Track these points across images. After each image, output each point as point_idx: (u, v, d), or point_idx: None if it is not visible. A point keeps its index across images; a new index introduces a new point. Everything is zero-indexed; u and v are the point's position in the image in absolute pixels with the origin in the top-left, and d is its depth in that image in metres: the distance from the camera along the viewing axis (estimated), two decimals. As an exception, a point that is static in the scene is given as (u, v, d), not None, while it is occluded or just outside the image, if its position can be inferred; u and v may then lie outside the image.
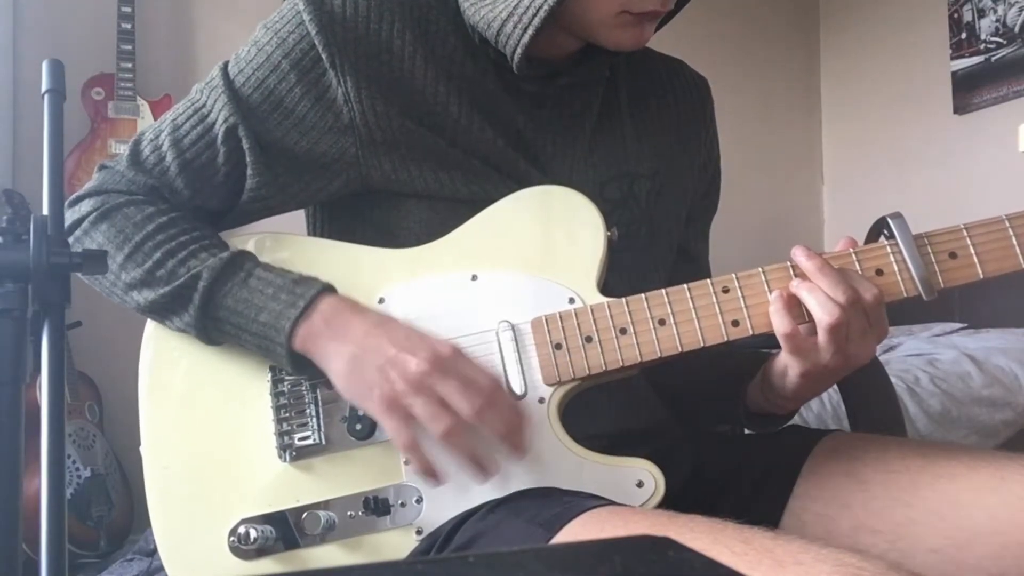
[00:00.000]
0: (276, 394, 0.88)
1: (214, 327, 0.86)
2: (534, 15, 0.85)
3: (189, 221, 0.91)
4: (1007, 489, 0.80)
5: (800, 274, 0.83)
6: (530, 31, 0.86)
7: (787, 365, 0.85)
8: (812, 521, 0.89)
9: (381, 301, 0.89)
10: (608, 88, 1.01)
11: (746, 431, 1.13)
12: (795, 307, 0.82)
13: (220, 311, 0.85)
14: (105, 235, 0.89)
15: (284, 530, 0.85)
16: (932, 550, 0.81)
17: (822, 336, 0.80)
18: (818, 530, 0.87)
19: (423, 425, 0.79)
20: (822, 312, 0.79)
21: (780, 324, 0.81)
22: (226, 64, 0.93)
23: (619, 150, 1.00)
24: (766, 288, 0.83)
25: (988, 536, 0.79)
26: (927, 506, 0.82)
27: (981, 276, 0.83)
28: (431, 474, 0.81)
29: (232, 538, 0.85)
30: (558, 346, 0.85)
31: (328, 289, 0.85)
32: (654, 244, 1.01)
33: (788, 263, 0.84)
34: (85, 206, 0.92)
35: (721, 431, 1.18)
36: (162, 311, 0.88)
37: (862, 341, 0.81)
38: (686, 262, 1.09)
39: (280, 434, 0.87)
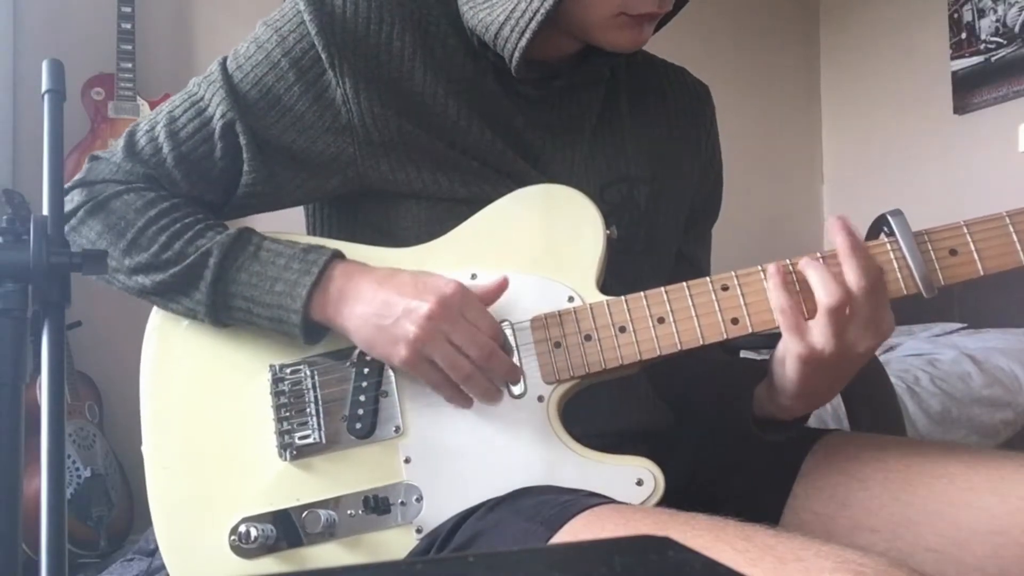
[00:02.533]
0: (276, 393, 0.88)
1: (224, 304, 0.86)
2: (531, 18, 0.85)
3: (191, 205, 0.91)
4: (1006, 488, 0.79)
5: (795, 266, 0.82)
6: (527, 34, 0.86)
7: (785, 351, 0.83)
8: (811, 520, 0.89)
9: (381, 300, 0.89)
10: (609, 92, 1.01)
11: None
12: (792, 284, 0.81)
13: (232, 286, 0.86)
14: (104, 223, 0.89)
15: (285, 529, 0.85)
16: (931, 549, 0.81)
17: (821, 317, 0.79)
18: (817, 529, 0.87)
19: (445, 370, 0.82)
20: (824, 293, 0.78)
21: (777, 299, 0.80)
22: (225, 59, 0.93)
23: (619, 154, 1.00)
24: (765, 286, 0.83)
25: (987, 535, 0.79)
26: (926, 505, 0.82)
27: (981, 273, 0.83)
28: (469, 400, 0.85)
29: (233, 537, 0.85)
30: (557, 344, 0.85)
31: (338, 255, 0.87)
32: (652, 249, 1.01)
33: (787, 261, 0.84)
34: (76, 197, 0.92)
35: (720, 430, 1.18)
36: (170, 292, 0.88)
37: (863, 330, 0.79)
38: (686, 266, 1.08)
39: (280, 433, 0.87)
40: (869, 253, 0.81)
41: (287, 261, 0.86)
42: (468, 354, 0.82)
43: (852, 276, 0.79)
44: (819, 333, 0.79)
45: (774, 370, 0.87)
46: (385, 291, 0.83)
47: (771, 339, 0.84)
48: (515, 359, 0.85)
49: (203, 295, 0.86)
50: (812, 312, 0.80)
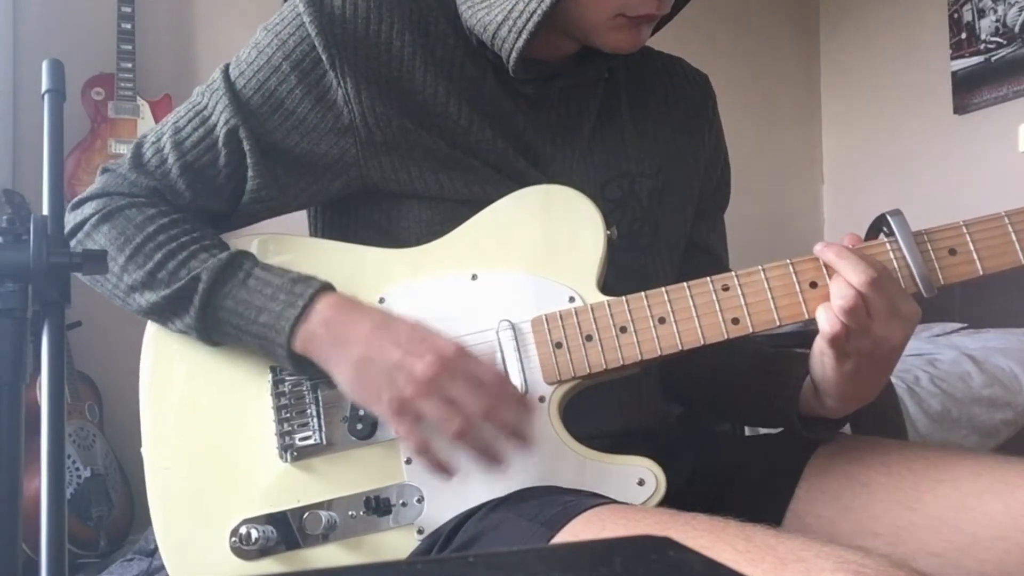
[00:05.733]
0: (277, 394, 0.88)
1: (215, 328, 0.86)
2: (528, 19, 0.85)
3: (190, 222, 0.91)
4: (1010, 494, 0.79)
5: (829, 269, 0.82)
6: (524, 35, 0.86)
7: (821, 354, 0.83)
8: (814, 523, 0.88)
9: (381, 301, 0.89)
10: (608, 88, 1.01)
11: (746, 431, 1.13)
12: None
13: (220, 312, 0.85)
14: (107, 237, 0.89)
15: (285, 530, 0.85)
16: (934, 554, 0.80)
17: (843, 318, 0.79)
18: (820, 532, 0.87)
19: (434, 426, 0.79)
20: (836, 296, 0.79)
21: (824, 322, 0.80)
22: (227, 66, 0.93)
23: (619, 150, 1.00)
24: (766, 286, 0.83)
25: (991, 541, 0.78)
26: (929, 510, 0.82)
27: (980, 273, 0.83)
28: (441, 471, 0.81)
29: (233, 538, 0.85)
30: (558, 345, 0.85)
31: (326, 288, 0.85)
32: (657, 243, 1.01)
33: (788, 261, 0.84)
34: (88, 208, 0.92)
35: (722, 430, 1.18)
36: (163, 313, 0.88)
37: (888, 323, 0.80)
38: (702, 255, 1.08)
39: (281, 434, 0.87)
40: (862, 253, 0.81)
41: (274, 291, 0.84)
42: (468, 408, 0.78)
43: (852, 275, 0.79)
44: (850, 336, 0.79)
45: (814, 374, 0.87)
46: (379, 337, 0.81)
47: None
48: (516, 361, 0.85)
49: (192, 319, 0.86)
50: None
